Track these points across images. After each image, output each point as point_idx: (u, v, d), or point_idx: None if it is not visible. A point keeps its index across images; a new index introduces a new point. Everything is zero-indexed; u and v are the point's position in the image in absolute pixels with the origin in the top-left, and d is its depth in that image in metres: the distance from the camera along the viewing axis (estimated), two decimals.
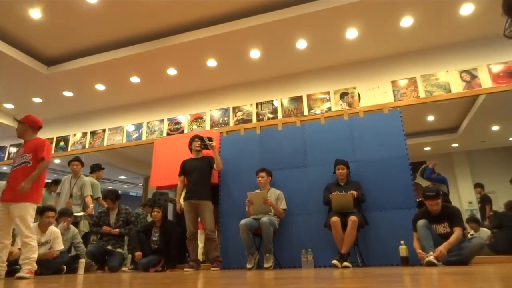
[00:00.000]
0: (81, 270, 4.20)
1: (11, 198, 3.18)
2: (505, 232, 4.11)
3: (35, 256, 3.18)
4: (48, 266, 3.97)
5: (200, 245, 4.61)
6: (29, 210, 3.19)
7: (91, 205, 4.91)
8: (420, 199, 3.81)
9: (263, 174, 4.25)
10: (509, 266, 2.63)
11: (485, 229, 5.12)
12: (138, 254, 4.26)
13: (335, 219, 3.56)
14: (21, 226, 3.12)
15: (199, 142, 4.48)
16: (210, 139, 4.52)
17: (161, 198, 5.51)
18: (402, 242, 3.56)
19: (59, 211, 4.53)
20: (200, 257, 4.58)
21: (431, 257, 3.08)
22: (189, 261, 4.17)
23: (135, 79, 5.41)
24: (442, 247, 3.12)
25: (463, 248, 3.15)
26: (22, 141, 3.52)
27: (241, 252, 4.05)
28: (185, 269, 4.08)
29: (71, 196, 4.94)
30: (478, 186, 5.96)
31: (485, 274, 1.92)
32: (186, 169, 4.45)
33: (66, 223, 4.48)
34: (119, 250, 4.57)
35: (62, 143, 6.48)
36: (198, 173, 4.32)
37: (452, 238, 3.18)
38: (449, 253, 3.17)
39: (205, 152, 4.55)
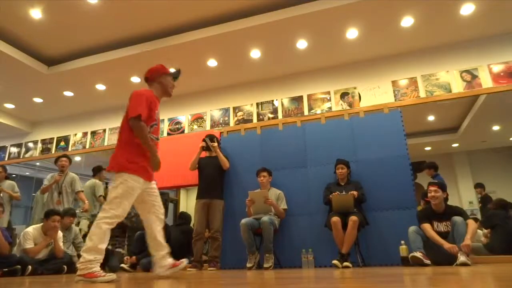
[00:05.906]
0: None
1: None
2: (498, 232, 4.04)
3: None
4: (48, 266, 3.97)
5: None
6: None
7: (86, 201, 4.77)
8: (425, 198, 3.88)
9: (265, 174, 4.25)
10: (507, 266, 2.63)
11: (480, 231, 5.09)
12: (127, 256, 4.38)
13: (335, 219, 3.56)
14: None
15: (204, 144, 4.51)
16: (211, 139, 4.52)
17: (162, 198, 5.50)
18: (402, 242, 3.55)
19: (62, 211, 4.49)
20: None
21: (417, 253, 3.16)
22: (192, 261, 4.18)
23: (135, 79, 5.41)
24: (467, 241, 3.10)
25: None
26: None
27: (241, 251, 4.05)
28: (188, 269, 4.08)
29: (60, 193, 4.72)
30: (478, 186, 5.96)
31: (485, 274, 1.92)
32: (200, 165, 4.48)
33: (68, 222, 4.46)
34: (119, 250, 4.58)
35: (62, 143, 6.48)
36: (211, 172, 4.35)
37: (469, 231, 3.18)
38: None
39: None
